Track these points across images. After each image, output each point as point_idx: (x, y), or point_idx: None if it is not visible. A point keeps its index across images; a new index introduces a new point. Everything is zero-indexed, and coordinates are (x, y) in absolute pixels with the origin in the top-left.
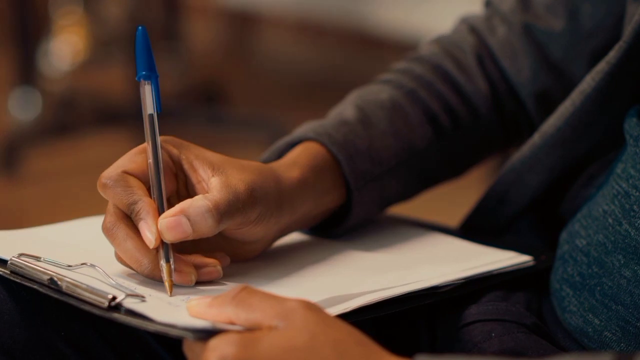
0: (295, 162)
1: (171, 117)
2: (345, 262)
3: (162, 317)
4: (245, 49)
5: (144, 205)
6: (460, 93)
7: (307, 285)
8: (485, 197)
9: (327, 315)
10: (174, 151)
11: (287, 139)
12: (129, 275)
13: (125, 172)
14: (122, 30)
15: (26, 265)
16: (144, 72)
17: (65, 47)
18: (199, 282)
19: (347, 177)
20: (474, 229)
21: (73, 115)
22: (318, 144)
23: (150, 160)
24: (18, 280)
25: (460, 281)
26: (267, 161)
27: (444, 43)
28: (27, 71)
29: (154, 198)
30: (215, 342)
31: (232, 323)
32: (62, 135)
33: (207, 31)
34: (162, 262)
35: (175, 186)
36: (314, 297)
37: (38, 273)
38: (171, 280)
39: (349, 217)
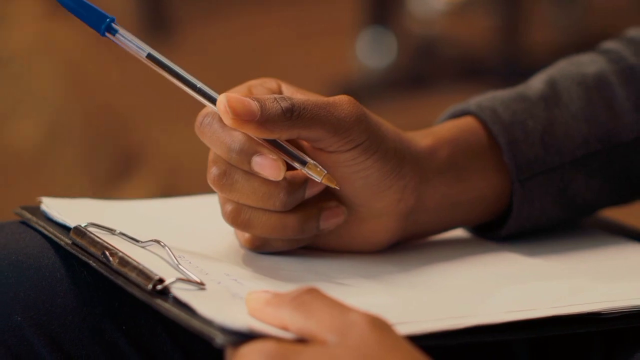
0: (432, 131)
1: None
2: (490, 269)
3: (207, 310)
4: None
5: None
6: None
7: (404, 294)
8: None
9: (395, 337)
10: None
11: (450, 110)
12: (218, 261)
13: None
14: None
15: (87, 236)
16: (103, 26)
17: None
18: (317, 237)
19: (508, 165)
20: None
21: (431, 65)
22: (477, 121)
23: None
24: (76, 253)
25: (633, 310)
26: None
27: None
28: (382, 9)
29: None
30: (246, 350)
31: (286, 328)
32: (415, 88)
33: None
34: (303, 167)
35: None
36: (404, 311)
37: (96, 245)
38: (326, 175)
39: (511, 214)
